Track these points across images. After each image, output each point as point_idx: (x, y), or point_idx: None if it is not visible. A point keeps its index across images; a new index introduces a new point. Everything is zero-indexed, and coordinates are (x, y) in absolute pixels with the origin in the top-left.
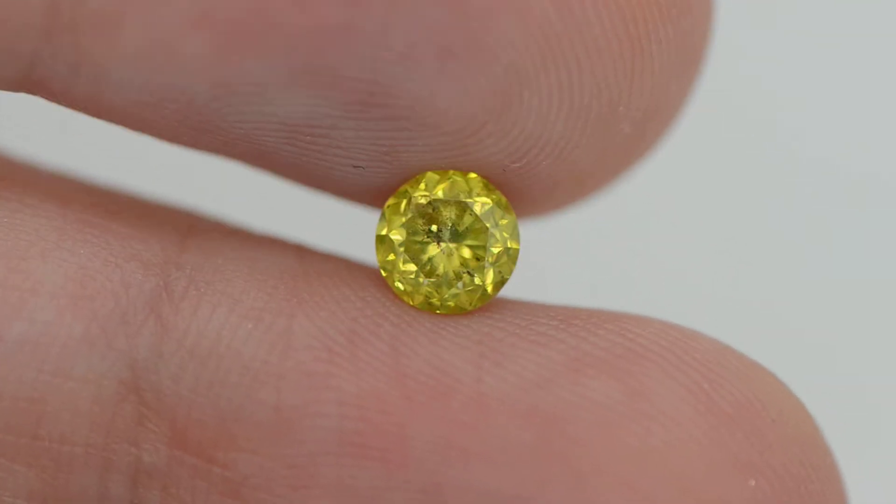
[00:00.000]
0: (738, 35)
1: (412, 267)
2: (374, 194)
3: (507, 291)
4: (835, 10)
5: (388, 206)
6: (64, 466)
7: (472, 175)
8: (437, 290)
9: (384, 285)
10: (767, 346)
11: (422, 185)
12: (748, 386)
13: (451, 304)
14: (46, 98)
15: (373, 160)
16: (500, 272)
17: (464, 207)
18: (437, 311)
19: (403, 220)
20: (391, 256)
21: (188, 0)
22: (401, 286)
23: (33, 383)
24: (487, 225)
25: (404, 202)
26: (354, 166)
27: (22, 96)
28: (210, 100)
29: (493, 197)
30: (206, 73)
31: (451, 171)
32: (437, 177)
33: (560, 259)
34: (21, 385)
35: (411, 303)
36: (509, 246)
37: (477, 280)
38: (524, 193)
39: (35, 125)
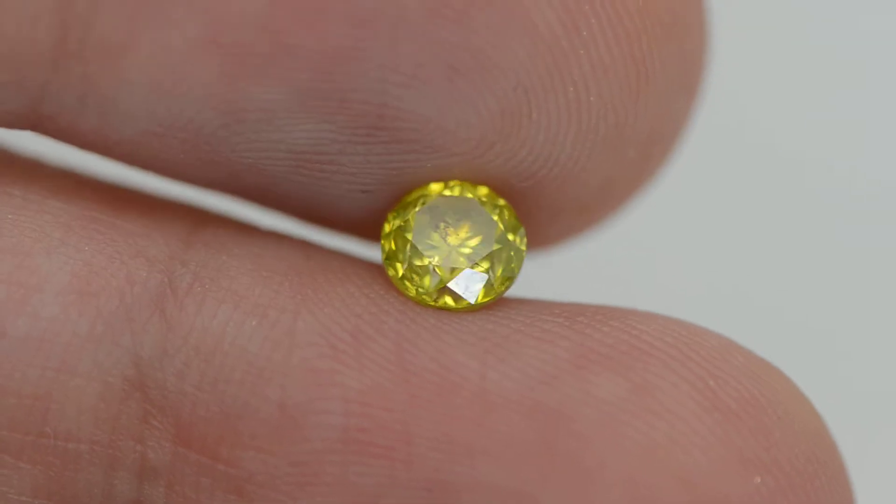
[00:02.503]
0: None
1: (418, 264)
2: (379, 219)
3: (511, 289)
4: (835, 21)
5: (396, 204)
6: (69, 463)
7: (479, 186)
8: (441, 288)
9: (389, 282)
10: (773, 343)
11: (430, 186)
12: (754, 382)
13: (455, 302)
14: (52, 135)
15: (380, 183)
16: (506, 271)
17: (471, 206)
18: (441, 308)
19: (410, 216)
20: (397, 253)
21: (195, 25)
22: (406, 283)
23: (38, 380)
24: (494, 222)
25: (412, 200)
26: (363, 191)
27: None
28: (218, 128)
29: (499, 201)
30: (214, 100)
31: (458, 182)
32: (443, 184)
33: (564, 256)
34: (26, 382)
35: (416, 300)
36: (516, 245)
37: (481, 279)
38: (530, 220)
39: None
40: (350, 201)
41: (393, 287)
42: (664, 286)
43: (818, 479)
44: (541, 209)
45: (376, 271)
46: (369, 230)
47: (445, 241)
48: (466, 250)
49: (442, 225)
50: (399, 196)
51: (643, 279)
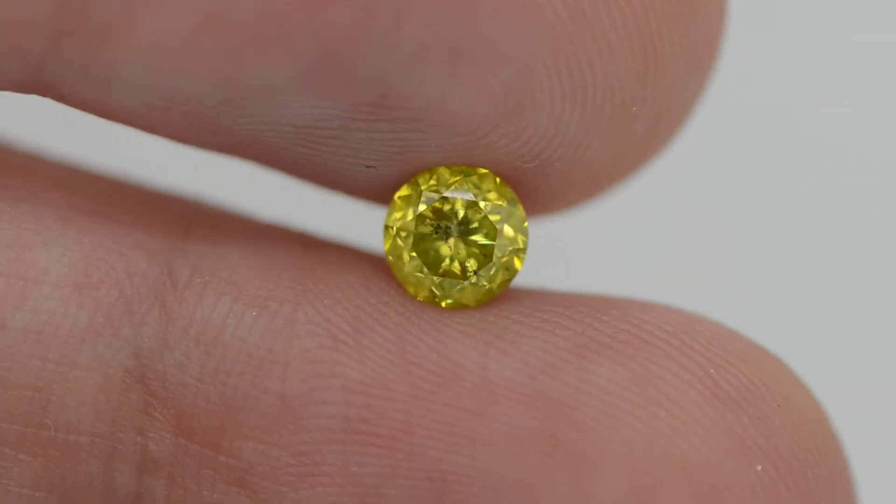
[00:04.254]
0: (749, 32)
1: (419, 260)
2: (386, 191)
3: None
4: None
5: (399, 197)
6: (69, 455)
7: (483, 171)
8: (442, 285)
9: (390, 274)
10: (773, 331)
11: (433, 179)
12: (754, 370)
13: (457, 299)
14: (55, 99)
15: (384, 160)
16: (506, 269)
17: (473, 203)
18: (442, 305)
19: (412, 212)
20: (398, 248)
21: (196, 2)
22: (407, 278)
23: (38, 372)
24: (496, 221)
25: (414, 195)
26: (366, 166)
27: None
28: (219, 102)
29: (503, 193)
30: (215, 76)
31: (463, 167)
32: (448, 171)
33: (565, 246)
34: (26, 374)
35: (416, 296)
36: (517, 244)
37: (483, 277)
38: (537, 192)
39: (38, 115)
40: (354, 174)
41: (394, 279)
42: (664, 275)
43: (818, 468)
44: (547, 186)
45: (377, 263)
46: (375, 198)
47: (448, 236)
48: (469, 247)
49: (443, 222)
50: (404, 173)
51: (643, 268)
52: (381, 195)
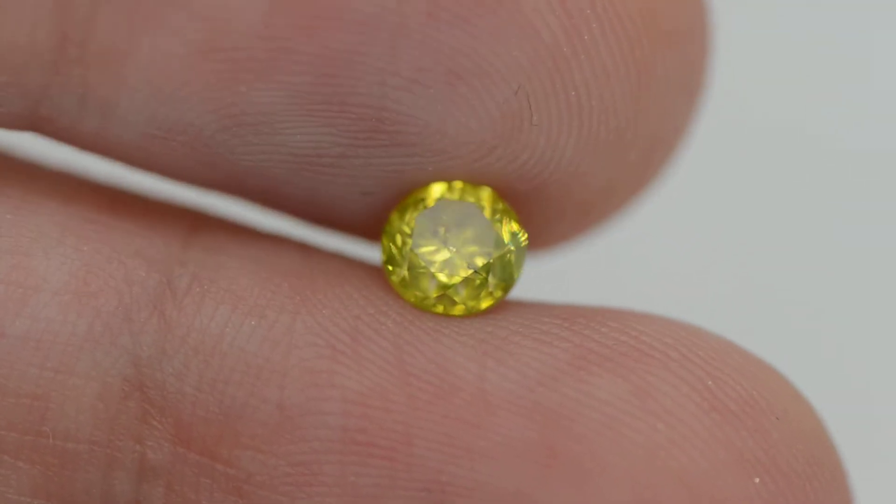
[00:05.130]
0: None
1: (416, 269)
2: (380, 222)
3: (510, 292)
4: (838, 24)
5: (397, 206)
6: (68, 463)
7: (483, 187)
8: (440, 293)
9: (388, 284)
10: (772, 343)
11: (431, 189)
12: (753, 383)
13: (454, 307)
14: (53, 137)
15: (381, 186)
16: (504, 279)
17: (471, 211)
18: (440, 314)
19: (411, 220)
20: (395, 257)
21: (195, 31)
22: (404, 287)
23: (37, 380)
24: (494, 229)
25: (412, 202)
26: (363, 193)
27: None
28: (217, 131)
29: (500, 205)
30: (214, 104)
31: (460, 183)
32: (446, 185)
33: (563, 258)
34: (24, 382)
35: (414, 304)
36: (515, 252)
37: (480, 287)
38: (532, 221)
39: None
40: (351, 203)
41: (392, 289)
42: (662, 287)
43: (817, 480)
44: (543, 211)
45: (375, 273)
46: (370, 231)
47: (445, 246)
48: (466, 256)
49: (442, 230)
50: (400, 197)
51: (641, 280)
52: (376, 226)
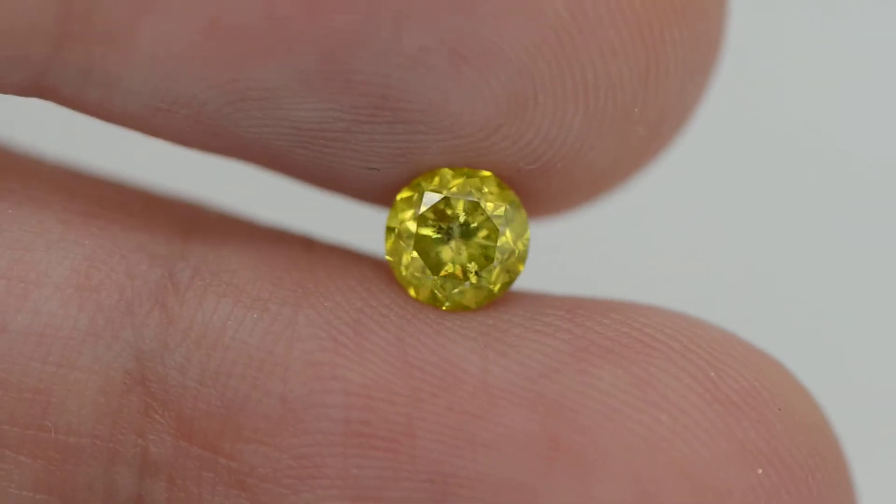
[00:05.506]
0: (749, 34)
1: (420, 262)
2: (388, 193)
3: (513, 284)
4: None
5: (401, 199)
6: (70, 458)
7: (486, 173)
8: (443, 287)
9: (391, 276)
10: (774, 335)
11: (435, 181)
12: (754, 374)
13: (457, 301)
14: (56, 102)
15: (386, 162)
16: (507, 272)
17: (475, 205)
18: (443, 307)
19: (414, 213)
20: (400, 249)
21: (198, 7)
22: (408, 280)
23: (38, 374)
24: (498, 224)
25: (416, 196)
26: (368, 168)
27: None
28: (222, 105)
29: (506, 196)
30: (217, 80)
31: (466, 169)
32: (451, 173)
33: (566, 250)
34: (26, 376)
35: (417, 297)
36: (519, 246)
37: (484, 279)
38: (539, 194)
39: (39, 118)
40: (357, 176)
41: (395, 282)
42: (664, 279)
43: (819, 472)
44: (549, 188)
45: (378, 266)
46: (377, 200)
47: (449, 240)
48: (470, 249)
49: (445, 224)
50: (407, 174)
51: (643, 272)
52: (383, 197)
